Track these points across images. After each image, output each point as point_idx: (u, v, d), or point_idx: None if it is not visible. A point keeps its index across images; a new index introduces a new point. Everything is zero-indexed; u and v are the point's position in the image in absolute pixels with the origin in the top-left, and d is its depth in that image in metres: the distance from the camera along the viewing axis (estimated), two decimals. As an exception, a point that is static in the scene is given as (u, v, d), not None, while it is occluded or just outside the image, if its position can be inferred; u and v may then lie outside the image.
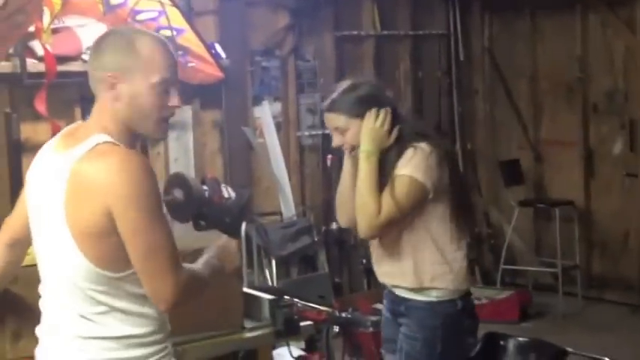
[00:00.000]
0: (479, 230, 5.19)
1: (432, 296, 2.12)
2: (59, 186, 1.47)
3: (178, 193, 3.22)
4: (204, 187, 3.71)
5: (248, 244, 4.04)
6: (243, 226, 4.01)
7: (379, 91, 2.17)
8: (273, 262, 4.09)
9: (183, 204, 3.15)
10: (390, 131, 2.10)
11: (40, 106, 3.37)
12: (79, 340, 1.53)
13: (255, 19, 4.53)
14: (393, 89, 5.02)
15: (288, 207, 4.35)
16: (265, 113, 4.49)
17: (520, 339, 3.24)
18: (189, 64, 3.92)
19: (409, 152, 2.09)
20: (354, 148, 2.13)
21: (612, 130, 4.79)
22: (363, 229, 2.11)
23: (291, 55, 4.65)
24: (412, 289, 2.14)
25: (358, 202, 2.10)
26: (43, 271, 1.60)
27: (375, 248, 2.25)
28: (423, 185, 2.08)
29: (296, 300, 2.82)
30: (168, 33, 3.63)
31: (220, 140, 4.35)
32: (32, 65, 3.49)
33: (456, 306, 2.11)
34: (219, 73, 4.10)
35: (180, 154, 4.20)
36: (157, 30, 3.60)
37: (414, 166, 2.07)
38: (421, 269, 2.11)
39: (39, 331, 1.63)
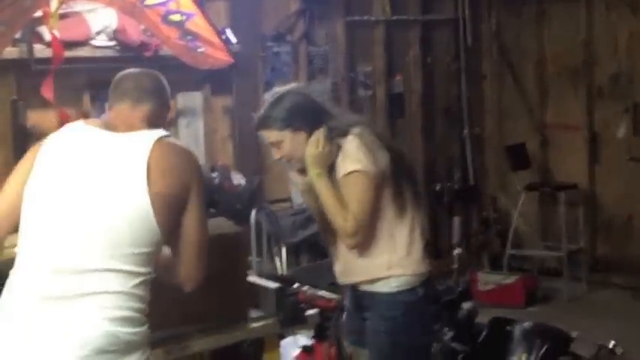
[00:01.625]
0: (486, 215, 5.07)
1: (392, 286, 2.04)
2: (138, 158, 1.59)
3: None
4: (215, 174, 3.59)
5: (258, 231, 3.92)
6: (253, 213, 3.88)
7: (304, 98, 2.11)
8: (284, 250, 3.96)
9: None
10: (330, 148, 2.05)
11: (48, 92, 3.24)
12: (103, 296, 1.54)
13: (267, 4, 4.40)
14: (403, 74, 4.92)
15: (299, 194, 4.21)
16: (276, 99, 4.33)
17: (525, 324, 3.14)
18: (199, 50, 3.76)
19: (344, 146, 2.03)
20: (293, 159, 2.09)
21: (616, 113, 4.68)
22: (345, 242, 2.05)
23: (303, 40, 4.50)
24: (370, 281, 2.06)
25: (332, 220, 2.05)
26: (55, 241, 1.56)
27: (334, 248, 2.15)
28: (368, 172, 2.00)
29: (306, 288, 2.68)
30: (177, 18, 3.47)
31: (231, 126, 4.23)
32: (40, 51, 3.36)
33: (417, 294, 2.05)
34: (229, 59, 3.95)
35: (190, 140, 4.07)
36: (166, 15, 3.44)
37: (350, 160, 2.00)
38: (377, 261, 2.04)
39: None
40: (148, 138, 1.63)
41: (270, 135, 2.09)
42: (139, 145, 1.62)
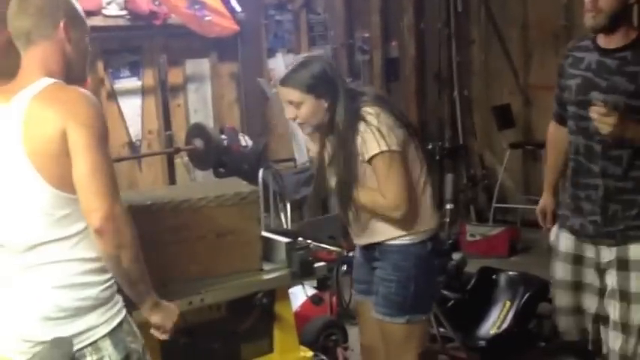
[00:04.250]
0: (474, 172, 5.06)
1: (405, 239, 2.04)
2: (14, 124, 1.41)
3: (199, 143, 3.09)
4: (223, 137, 3.56)
5: (265, 189, 3.91)
6: (260, 172, 3.86)
7: (330, 68, 2.04)
8: (288, 206, 3.96)
9: (204, 153, 3.02)
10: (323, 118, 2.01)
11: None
12: (47, 266, 1.44)
13: (268, -25, 4.28)
14: (397, 40, 4.82)
15: (302, 153, 4.20)
16: (279, 65, 4.29)
17: (510, 273, 3.18)
18: (206, 18, 3.68)
19: (362, 127, 1.97)
20: (306, 123, 2.02)
21: (595, 74, 4.62)
22: (392, 215, 2.01)
23: (303, 8, 4.41)
24: (387, 240, 2.06)
25: (371, 210, 2.02)
26: None
27: (347, 212, 2.11)
28: (393, 150, 1.98)
29: (309, 241, 2.68)
30: (185, -12, 3.36)
31: (237, 91, 4.17)
32: (56, 21, 3.24)
33: (426, 247, 2.05)
34: (235, 27, 3.86)
35: (199, 105, 4.02)
36: (174, -15, 3.33)
37: (374, 142, 1.95)
38: (397, 223, 2.02)
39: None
40: (25, 98, 1.43)
41: (291, 94, 2.01)
42: (16, 111, 1.43)
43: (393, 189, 1.97)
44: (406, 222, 2.02)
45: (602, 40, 2.08)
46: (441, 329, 2.91)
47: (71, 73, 1.50)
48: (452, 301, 2.97)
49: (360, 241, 2.14)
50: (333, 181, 2.07)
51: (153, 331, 1.60)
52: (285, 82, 2.02)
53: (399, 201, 1.98)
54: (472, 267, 3.21)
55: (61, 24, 1.47)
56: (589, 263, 2.19)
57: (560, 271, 2.26)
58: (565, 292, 2.26)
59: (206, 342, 1.99)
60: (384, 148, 1.96)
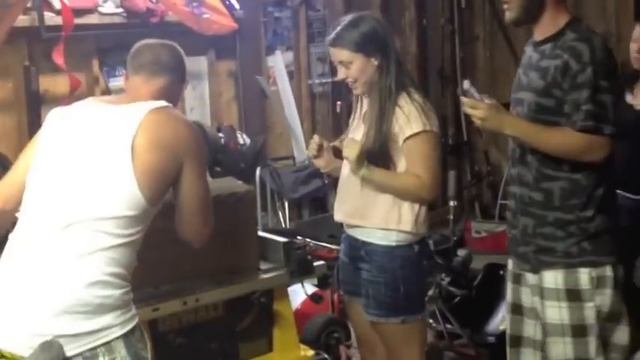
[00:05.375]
0: (479, 168, 5.06)
1: (391, 240, 2.02)
2: (126, 130, 1.53)
3: (195, 141, 3.09)
4: (220, 135, 3.57)
5: (262, 187, 3.92)
6: (258, 170, 3.87)
7: (380, 27, 2.04)
8: (286, 205, 3.97)
9: (200, 151, 3.02)
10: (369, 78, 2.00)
11: (59, 58, 3.19)
12: (83, 258, 1.50)
13: (267, -29, 4.29)
14: (399, 36, 4.83)
15: (300, 152, 4.20)
16: (278, 62, 4.29)
17: None
18: (204, 16, 3.70)
19: (404, 101, 1.97)
20: (357, 82, 2.02)
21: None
22: (423, 195, 2.00)
23: (302, 5, 4.42)
24: (375, 229, 2.04)
25: (401, 194, 2.00)
26: (50, 215, 1.52)
27: (343, 186, 2.11)
28: (434, 132, 2.00)
29: (308, 240, 2.69)
30: (182, -15, 3.38)
31: (235, 89, 4.18)
32: (50, 19, 3.30)
33: (413, 250, 2.04)
34: (233, 24, 3.88)
35: (196, 103, 4.03)
36: (171, -18, 3.35)
37: (415, 122, 1.96)
38: (392, 213, 2.01)
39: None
40: (142, 109, 1.57)
41: (341, 54, 2.01)
42: (131, 116, 1.55)
43: (431, 170, 1.95)
44: (401, 217, 2.01)
45: (535, 32, 1.90)
46: (448, 326, 2.92)
47: None
48: (458, 298, 2.99)
49: (346, 219, 2.10)
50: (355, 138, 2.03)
51: None
52: (334, 42, 2.02)
53: (435, 183, 1.98)
54: (478, 263, 3.21)
55: (184, 84, 1.76)
56: (525, 282, 1.95)
57: (507, 291, 2.04)
58: (509, 315, 2.02)
59: (203, 342, 2.00)
60: (428, 127, 1.96)
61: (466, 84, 1.86)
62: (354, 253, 2.12)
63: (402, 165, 2.00)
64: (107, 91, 3.81)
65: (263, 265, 2.15)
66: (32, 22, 3.28)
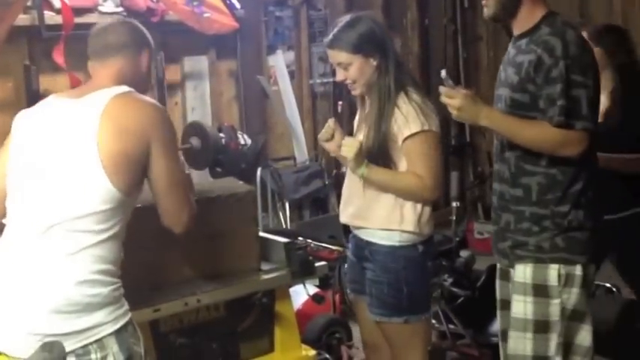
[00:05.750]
0: (481, 169, 5.05)
1: (395, 240, 2.02)
2: (88, 122, 1.51)
3: (196, 142, 3.06)
4: (221, 135, 3.56)
5: (263, 188, 3.91)
6: (259, 171, 3.87)
7: (378, 27, 2.04)
8: (287, 205, 3.97)
9: (201, 152, 3.00)
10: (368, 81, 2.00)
11: (59, 58, 3.20)
12: (68, 258, 1.50)
13: (268, -30, 4.29)
14: (401, 37, 4.83)
15: (301, 152, 4.20)
16: (279, 62, 4.29)
17: None
18: (205, 15, 3.70)
19: (402, 101, 1.97)
20: (356, 83, 2.02)
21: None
22: (424, 196, 2.00)
23: (303, 4, 4.41)
24: (378, 230, 2.04)
25: (402, 194, 2.00)
26: (30, 216, 1.53)
27: (347, 188, 2.12)
28: (434, 132, 1.99)
29: (309, 240, 2.69)
30: (183, -16, 3.38)
31: (236, 89, 4.18)
32: (50, 18, 3.30)
33: (417, 250, 2.03)
34: (234, 23, 3.88)
35: (197, 103, 4.03)
36: (172, -19, 3.35)
37: (414, 121, 1.96)
38: (394, 213, 2.01)
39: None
40: (103, 98, 1.55)
41: (339, 56, 2.01)
42: (92, 107, 1.54)
43: (433, 169, 1.94)
44: (404, 217, 2.01)
45: (513, 28, 1.89)
46: (451, 326, 2.92)
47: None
48: (461, 299, 2.99)
49: (351, 221, 2.11)
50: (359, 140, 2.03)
51: None
52: (332, 44, 2.02)
53: (436, 182, 1.97)
54: (481, 264, 3.21)
55: (146, 52, 1.69)
56: (511, 278, 1.93)
57: (496, 287, 2.02)
58: (499, 312, 2.00)
59: (204, 342, 2.01)
60: (426, 127, 1.96)
61: (443, 73, 1.86)
62: (359, 252, 2.12)
63: (402, 165, 2.01)
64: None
65: (264, 266, 2.15)
66: (32, 21, 3.28)
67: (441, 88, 1.83)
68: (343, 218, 2.14)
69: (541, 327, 1.81)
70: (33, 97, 3.18)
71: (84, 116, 1.53)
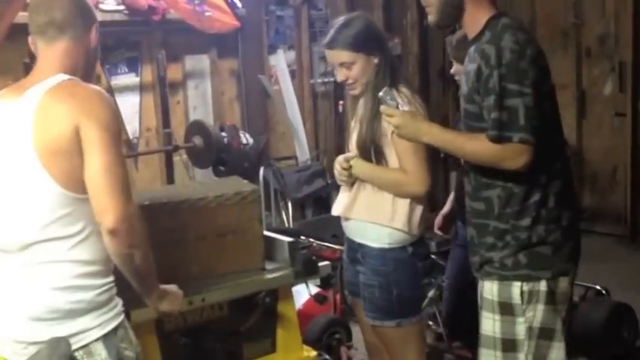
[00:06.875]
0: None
1: (384, 242, 2.02)
2: (25, 122, 1.43)
3: (198, 140, 3.08)
4: (223, 134, 3.56)
5: (266, 187, 3.91)
6: (261, 170, 3.87)
7: (373, 25, 2.06)
8: (290, 204, 3.96)
9: (203, 150, 3.01)
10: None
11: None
12: (42, 266, 1.45)
13: (269, -30, 4.29)
14: (400, 37, 4.83)
15: (303, 151, 4.20)
16: (280, 61, 4.29)
17: None
18: (207, 14, 3.69)
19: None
20: (357, 82, 2.01)
21: (603, 72, 4.63)
22: (415, 190, 1.98)
23: (304, 4, 4.41)
24: (368, 223, 2.03)
25: (389, 189, 1.99)
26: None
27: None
28: None
29: (311, 239, 2.68)
30: (184, -17, 3.37)
31: (238, 88, 4.18)
32: (52, 16, 3.26)
33: (407, 252, 2.03)
34: (235, 23, 3.87)
35: (199, 102, 4.02)
36: (174, -20, 3.34)
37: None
38: (385, 207, 2.00)
39: None
40: (38, 93, 1.46)
41: (341, 56, 2.00)
42: (27, 106, 1.45)
43: (418, 165, 1.93)
44: (395, 213, 2.00)
45: (467, 33, 1.78)
46: (447, 328, 2.92)
47: (84, 76, 1.55)
48: (458, 300, 2.98)
49: (343, 212, 2.10)
50: (353, 144, 2.05)
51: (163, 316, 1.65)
52: (333, 44, 2.00)
53: (423, 177, 1.95)
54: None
55: (94, 28, 1.56)
56: None
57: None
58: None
59: (207, 342, 2.00)
60: None
61: (381, 93, 1.85)
62: (352, 254, 2.13)
63: (393, 160, 2.00)
64: (109, 89, 3.81)
65: (268, 265, 2.14)
66: (33, 18, 3.25)
67: (381, 107, 1.82)
68: (336, 210, 2.14)
69: (508, 346, 1.75)
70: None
71: (18, 120, 1.45)
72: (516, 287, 1.73)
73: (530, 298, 1.72)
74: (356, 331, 2.87)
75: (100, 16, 3.53)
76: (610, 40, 4.57)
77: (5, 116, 1.49)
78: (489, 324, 1.77)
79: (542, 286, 1.72)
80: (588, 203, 4.79)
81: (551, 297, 1.73)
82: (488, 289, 1.77)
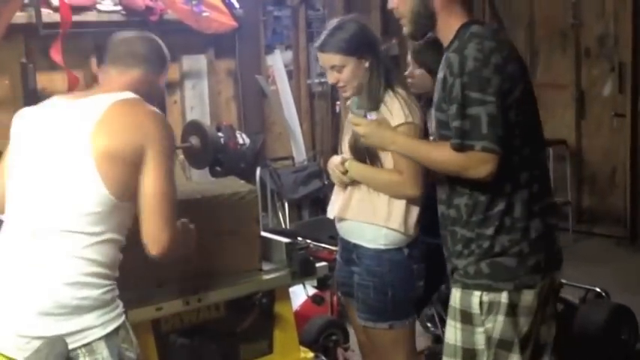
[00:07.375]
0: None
1: (380, 243, 2.02)
2: (88, 120, 1.51)
3: (195, 141, 3.07)
4: (220, 134, 3.55)
5: (262, 188, 3.91)
6: (258, 170, 3.86)
7: (366, 28, 2.06)
8: (286, 205, 3.96)
9: (200, 151, 3.01)
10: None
11: (56, 55, 3.19)
12: (57, 259, 1.49)
13: (266, -30, 4.29)
14: (398, 37, 4.83)
15: (300, 152, 4.20)
16: (277, 61, 4.29)
17: None
18: (204, 14, 3.70)
19: (388, 96, 1.98)
20: (347, 85, 2.02)
21: (602, 72, 4.64)
22: (407, 193, 1.98)
23: (302, 4, 4.41)
24: (364, 224, 2.03)
25: (384, 190, 2.00)
26: (30, 218, 1.53)
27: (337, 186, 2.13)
28: (416, 124, 1.98)
29: (308, 241, 2.67)
30: (182, -17, 3.37)
31: (234, 88, 4.18)
32: (47, 15, 3.31)
33: (403, 253, 2.02)
34: (233, 23, 3.88)
35: (195, 102, 4.02)
36: (171, -20, 3.34)
37: (397, 115, 1.96)
38: (380, 208, 2.00)
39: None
40: (105, 101, 1.55)
41: (333, 59, 2.01)
42: (92, 109, 1.53)
43: (413, 166, 1.91)
44: (390, 214, 2.00)
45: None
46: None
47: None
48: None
49: (338, 213, 2.10)
50: (345, 145, 2.06)
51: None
52: (324, 47, 2.01)
53: (417, 178, 1.94)
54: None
55: (165, 73, 1.73)
56: None
57: None
58: None
59: (204, 342, 1.99)
60: (409, 119, 1.95)
61: (349, 101, 1.89)
62: (347, 255, 2.12)
63: (388, 161, 2.00)
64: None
65: (265, 266, 2.13)
66: (29, 18, 3.27)
67: (349, 116, 1.85)
68: (331, 214, 2.14)
69: (468, 355, 1.74)
70: (30, 94, 3.17)
71: (81, 118, 1.52)
72: (476, 297, 1.71)
73: (490, 308, 1.70)
74: (353, 332, 2.86)
75: (96, 17, 3.59)
76: (609, 41, 4.58)
77: (64, 113, 1.57)
78: (452, 332, 1.76)
79: (504, 297, 1.69)
80: (588, 205, 4.80)
81: (512, 309, 1.70)
82: (453, 297, 1.76)
